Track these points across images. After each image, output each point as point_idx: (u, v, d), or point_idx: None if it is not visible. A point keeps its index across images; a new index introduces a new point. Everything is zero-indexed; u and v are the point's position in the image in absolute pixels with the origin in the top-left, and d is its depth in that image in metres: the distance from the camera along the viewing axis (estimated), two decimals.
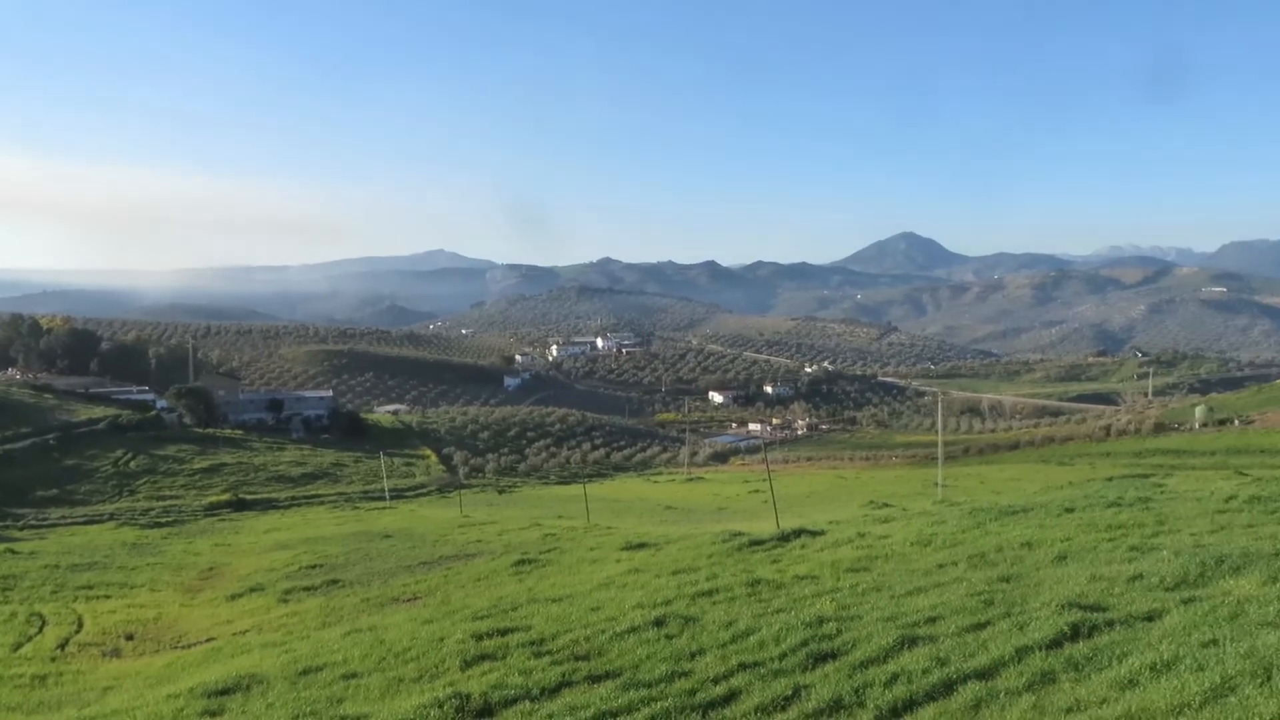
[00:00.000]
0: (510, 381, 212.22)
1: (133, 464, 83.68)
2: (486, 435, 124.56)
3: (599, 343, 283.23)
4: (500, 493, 79.39)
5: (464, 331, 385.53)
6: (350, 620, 20.43)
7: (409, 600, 22.79)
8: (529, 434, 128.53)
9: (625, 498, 65.65)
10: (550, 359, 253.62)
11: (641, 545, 26.33)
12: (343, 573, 29.13)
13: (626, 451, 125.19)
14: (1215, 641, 8.89)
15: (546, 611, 16.12)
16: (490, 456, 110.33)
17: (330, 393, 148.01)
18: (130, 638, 22.47)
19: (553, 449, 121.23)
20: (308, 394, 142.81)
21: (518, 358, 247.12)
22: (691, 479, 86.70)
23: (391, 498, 74.69)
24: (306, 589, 26.58)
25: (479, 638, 13.91)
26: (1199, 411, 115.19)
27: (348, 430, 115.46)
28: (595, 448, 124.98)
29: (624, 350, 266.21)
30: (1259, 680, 7.64)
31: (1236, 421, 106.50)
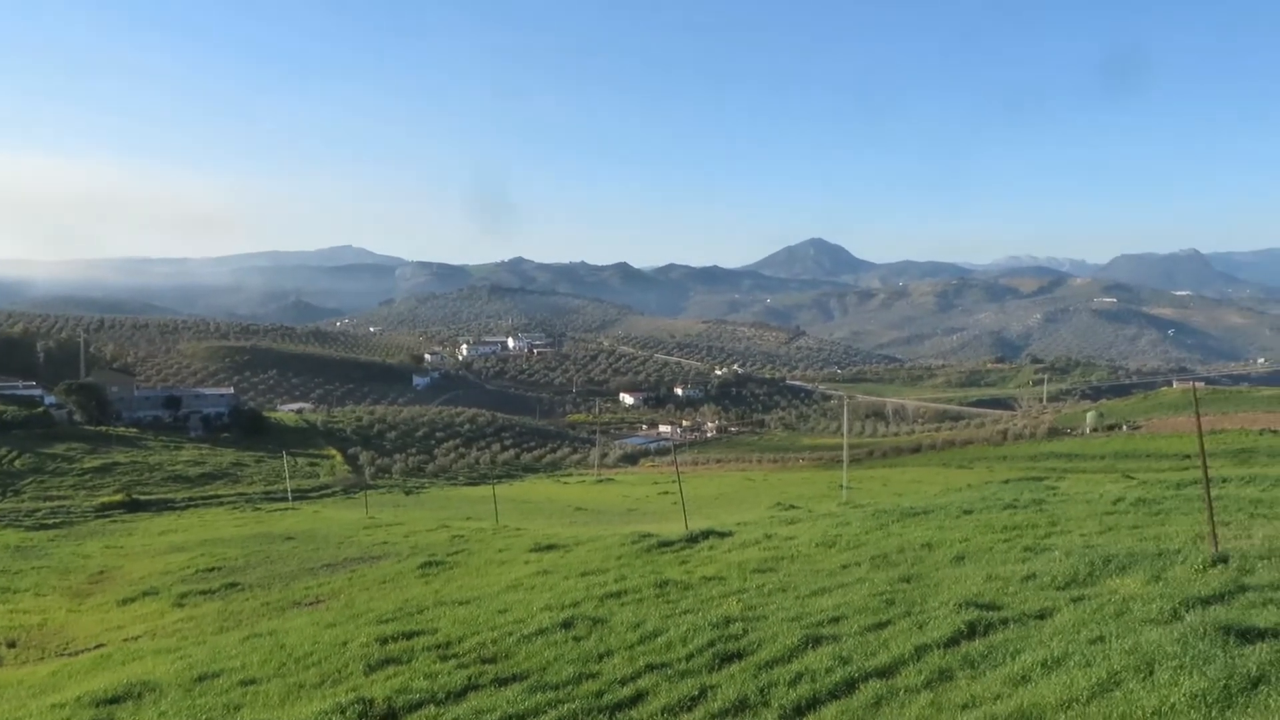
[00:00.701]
0: (419, 381, 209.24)
1: (17, 463, 79.99)
2: (394, 435, 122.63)
3: (510, 343, 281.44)
4: (407, 494, 78.17)
5: (372, 329, 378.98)
6: (249, 625, 19.88)
7: (311, 604, 22.27)
8: (438, 434, 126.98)
9: (535, 499, 65.30)
10: (460, 358, 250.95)
11: (550, 547, 26.24)
12: (242, 576, 28.32)
13: (537, 452, 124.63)
14: (1102, 638, 9.25)
15: (453, 614, 15.94)
16: (398, 457, 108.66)
17: (231, 390, 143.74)
18: (12, 645, 21.45)
19: (462, 449, 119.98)
20: (207, 391, 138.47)
21: (427, 357, 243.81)
22: (602, 480, 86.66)
23: (294, 499, 72.89)
24: (203, 593, 25.75)
25: (384, 641, 13.68)
26: (1090, 417, 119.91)
27: (249, 429, 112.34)
28: (505, 448, 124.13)
29: (535, 350, 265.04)
30: (1142, 675, 7.98)
31: (1125, 427, 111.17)
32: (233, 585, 26.54)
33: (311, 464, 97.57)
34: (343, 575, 26.32)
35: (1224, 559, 13.26)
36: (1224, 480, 35.73)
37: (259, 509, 64.14)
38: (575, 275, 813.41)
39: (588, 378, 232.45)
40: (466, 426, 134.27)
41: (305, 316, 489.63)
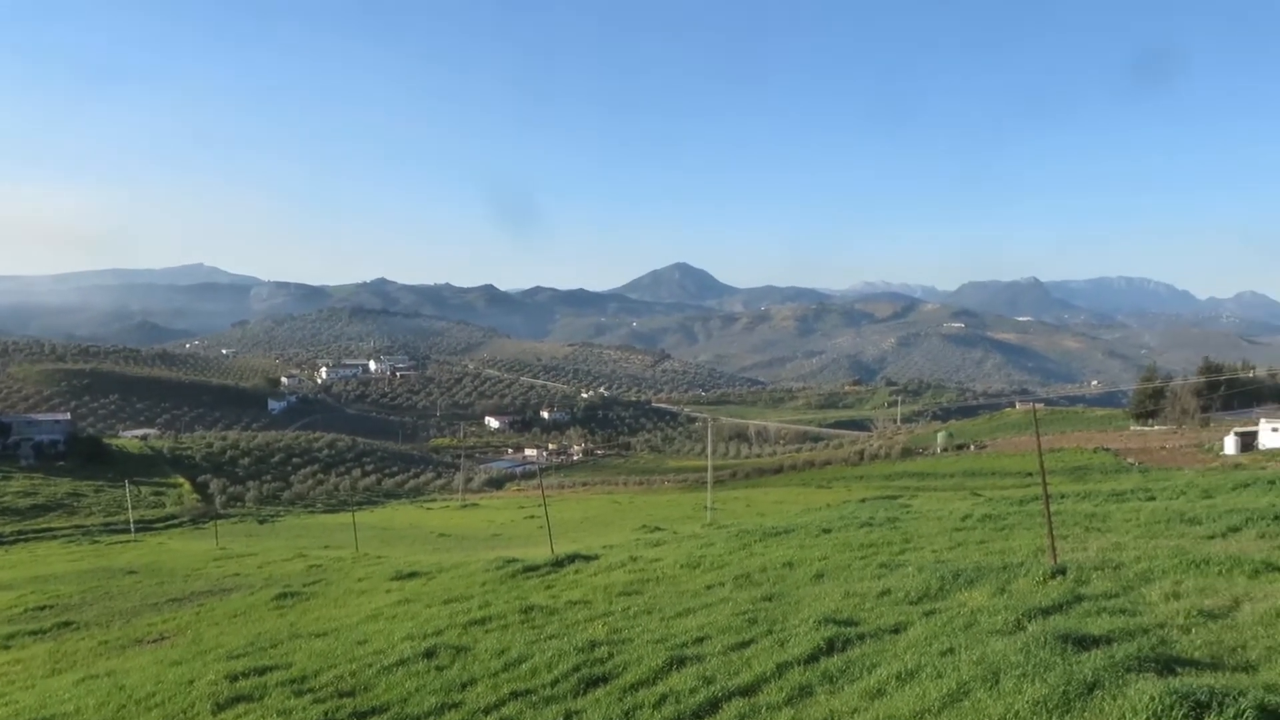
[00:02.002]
0: (275, 405, 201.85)
1: None
2: (247, 462, 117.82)
3: (372, 365, 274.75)
4: (261, 522, 75.10)
5: (225, 351, 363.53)
6: (85, 665, 18.63)
7: (155, 641, 21.06)
8: (295, 460, 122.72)
9: (397, 526, 63.75)
10: (319, 381, 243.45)
11: (413, 574, 25.63)
12: (77, 614, 26.55)
13: (399, 478, 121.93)
14: (952, 650, 9.61)
15: (310, 647, 15.35)
16: (251, 484, 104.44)
17: (68, 415, 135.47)
18: None
19: (320, 476, 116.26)
20: (40, 417, 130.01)
21: (284, 380, 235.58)
22: (466, 505, 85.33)
23: (138, 530, 69.06)
24: (33, 633, 24.01)
25: (234, 678, 13.04)
26: (940, 437, 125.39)
27: (88, 457, 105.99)
28: (366, 474, 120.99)
29: (398, 373, 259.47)
30: (989, 684, 8.33)
31: (972, 446, 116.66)
32: (66, 624, 24.84)
33: (157, 493, 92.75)
34: (190, 610, 25.02)
35: (1062, 571, 14.01)
36: (1062, 496, 37.83)
37: (98, 542, 60.41)
38: (440, 297, 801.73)
39: (452, 401, 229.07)
40: (325, 452, 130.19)
41: (153, 338, 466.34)
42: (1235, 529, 19.12)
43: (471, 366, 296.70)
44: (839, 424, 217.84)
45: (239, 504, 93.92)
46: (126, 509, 75.30)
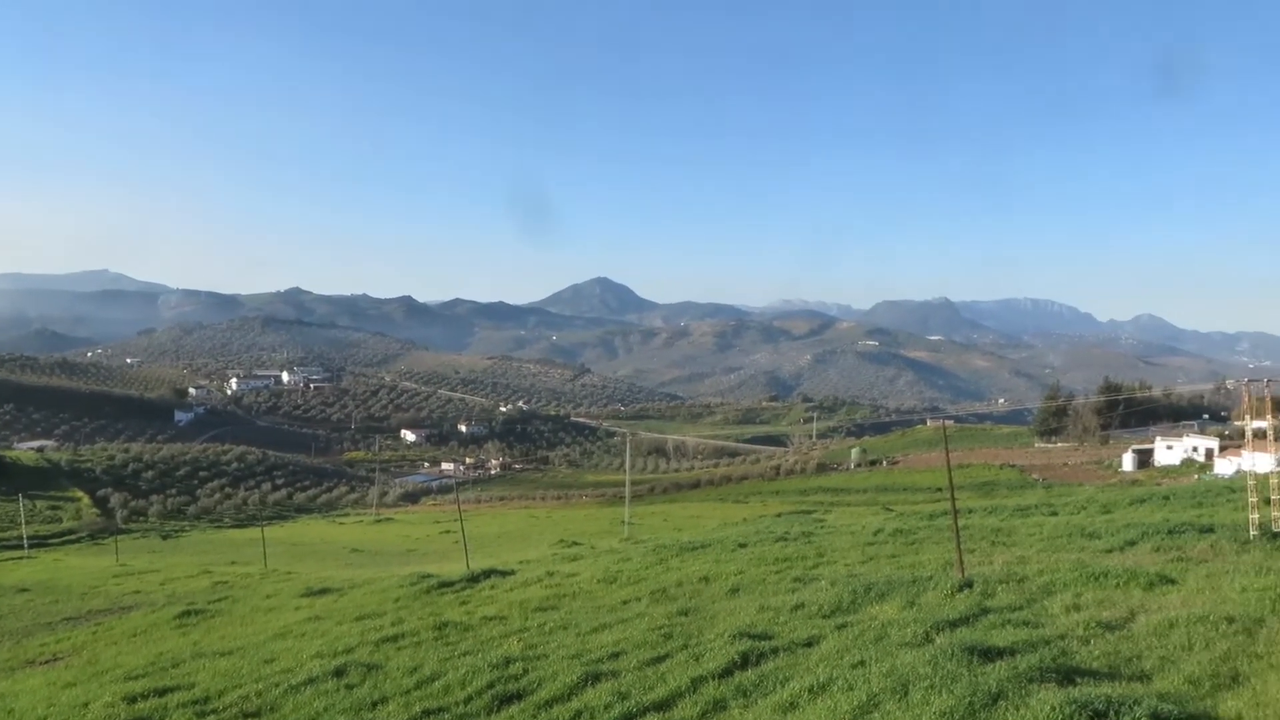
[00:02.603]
0: (182, 416, 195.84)
1: None
2: (151, 475, 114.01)
3: (285, 377, 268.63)
4: (165, 538, 72.72)
5: (130, 361, 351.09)
6: None
7: (48, 662, 20.21)
8: (202, 473, 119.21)
9: (308, 541, 62.33)
10: (229, 393, 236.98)
11: (323, 591, 25.10)
12: None
13: (311, 492, 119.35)
14: (863, 662, 9.78)
15: (214, 666, 14.91)
16: (155, 498, 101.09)
17: None
18: None
19: (229, 490, 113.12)
20: None
21: (192, 391, 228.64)
22: (380, 520, 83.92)
23: (31, 546, 66.18)
24: None
25: (132, 700, 12.59)
26: (854, 453, 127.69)
27: None
28: (277, 488, 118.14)
29: (312, 385, 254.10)
30: (898, 696, 8.50)
31: (884, 462, 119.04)
32: None
33: (53, 507, 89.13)
34: (86, 629, 24.08)
35: (969, 584, 14.38)
36: (970, 511, 38.81)
37: None
38: (357, 308, 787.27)
39: (368, 414, 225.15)
40: (234, 465, 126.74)
41: (52, 346, 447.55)
42: (1132, 543, 19.86)
43: (388, 379, 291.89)
44: (756, 439, 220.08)
45: (141, 519, 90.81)
46: (19, 524, 72.11)
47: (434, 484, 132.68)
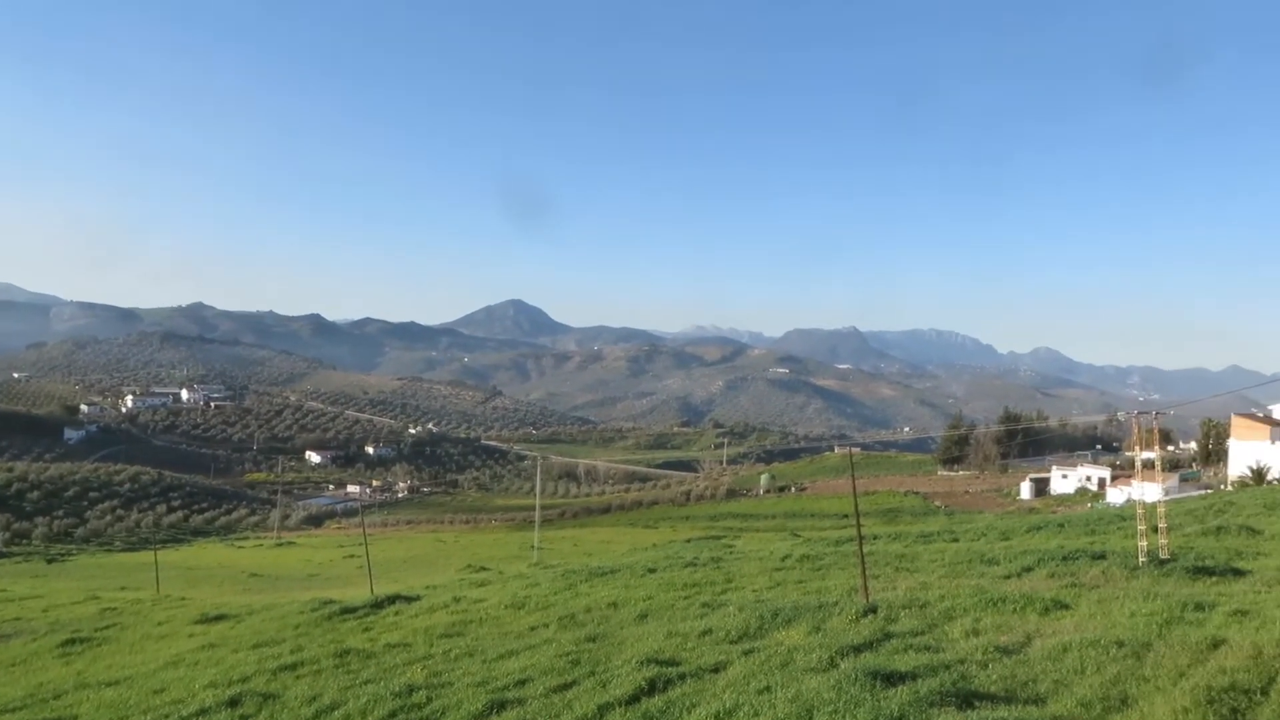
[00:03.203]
0: (72, 434, 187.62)
1: None
2: (37, 496, 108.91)
3: (184, 394, 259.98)
4: (50, 562, 69.47)
5: (16, 375, 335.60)
6: None
7: None
8: (92, 494, 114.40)
9: (204, 565, 60.24)
10: (124, 410, 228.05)
11: (219, 618, 24.27)
12: None
13: (209, 514, 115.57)
14: (769, 688, 9.84)
15: (99, 697, 14.26)
16: (40, 521, 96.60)
17: None
18: None
19: (120, 512, 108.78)
20: None
21: (84, 408, 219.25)
22: (282, 544, 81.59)
23: None
24: None
25: None
26: (763, 479, 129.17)
27: None
28: (172, 510, 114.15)
29: (213, 404, 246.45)
30: None
31: (793, 488, 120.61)
32: None
33: None
34: None
35: (874, 609, 14.61)
36: (875, 537, 39.53)
37: None
38: (263, 325, 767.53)
39: (272, 434, 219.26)
40: (127, 486, 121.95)
41: None
42: (1029, 569, 20.46)
43: (293, 398, 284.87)
44: (667, 464, 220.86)
45: (24, 541, 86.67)
46: None
47: (339, 507, 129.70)
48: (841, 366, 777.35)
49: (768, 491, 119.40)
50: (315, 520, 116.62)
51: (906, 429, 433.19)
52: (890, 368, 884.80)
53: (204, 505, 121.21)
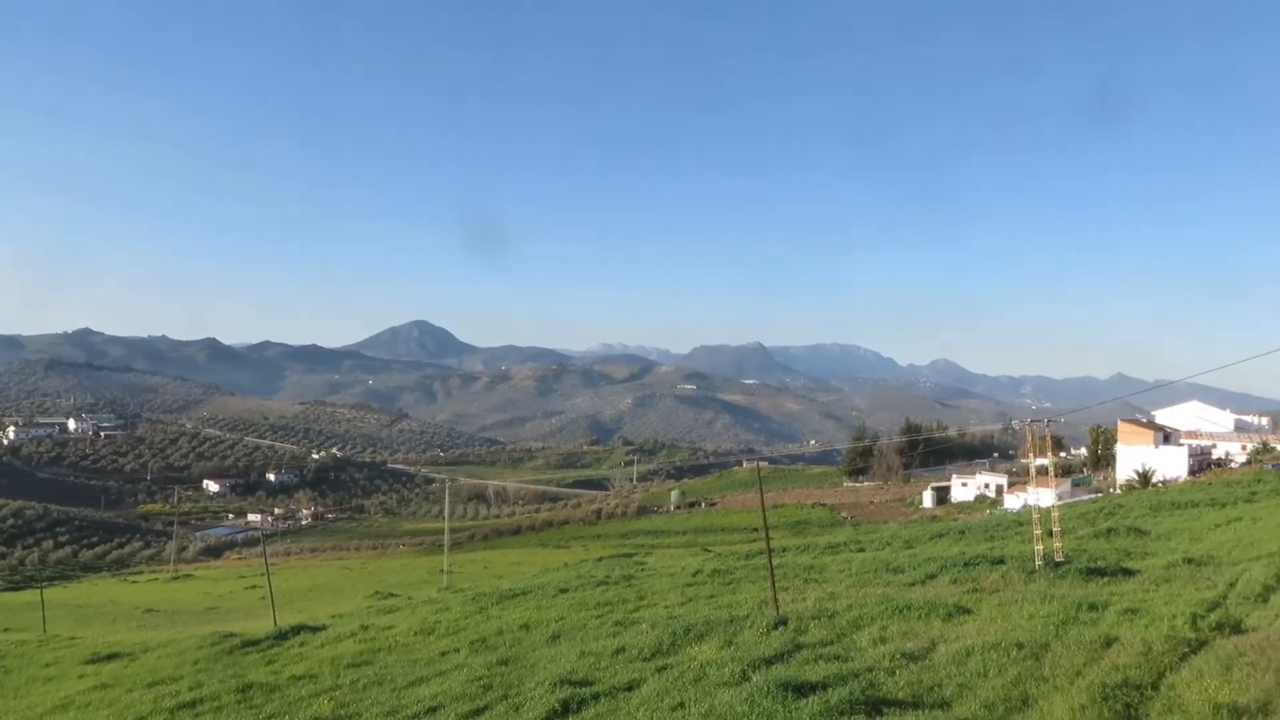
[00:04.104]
0: None
1: None
2: None
3: (71, 424, 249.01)
4: None
5: None
6: None
7: None
8: None
9: (95, 602, 57.60)
10: (6, 443, 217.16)
11: (112, 656, 23.25)
12: None
13: (100, 549, 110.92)
14: (683, 704, 9.87)
15: None
16: None
17: None
18: None
19: (2, 549, 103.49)
20: None
21: None
22: (179, 577, 78.62)
23: None
24: None
25: None
26: (674, 495, 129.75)
27: None
28: (60, 545, 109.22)
29: (103, 433, 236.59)
30: None
31: (703, 504, 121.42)
32: None
33: None
34: None
35: (784, 621, 14.79)
36: (784, 550, 40.07)
37: None
38: (155, 350, 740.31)
39: (166, 463, 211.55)
40: (10, 521, 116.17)
41: None
42: (932, 576, 20.99)
43: (189, 426, 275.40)
44: (578, 483, 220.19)
45: None
46: None
47: (239, 536, 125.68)
48: (748, 382, 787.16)
49: (678, 508, 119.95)
50: (214, 551, 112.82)
51: (812, 442, 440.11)
52: (795, 382, 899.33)
53: (94, 539, 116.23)
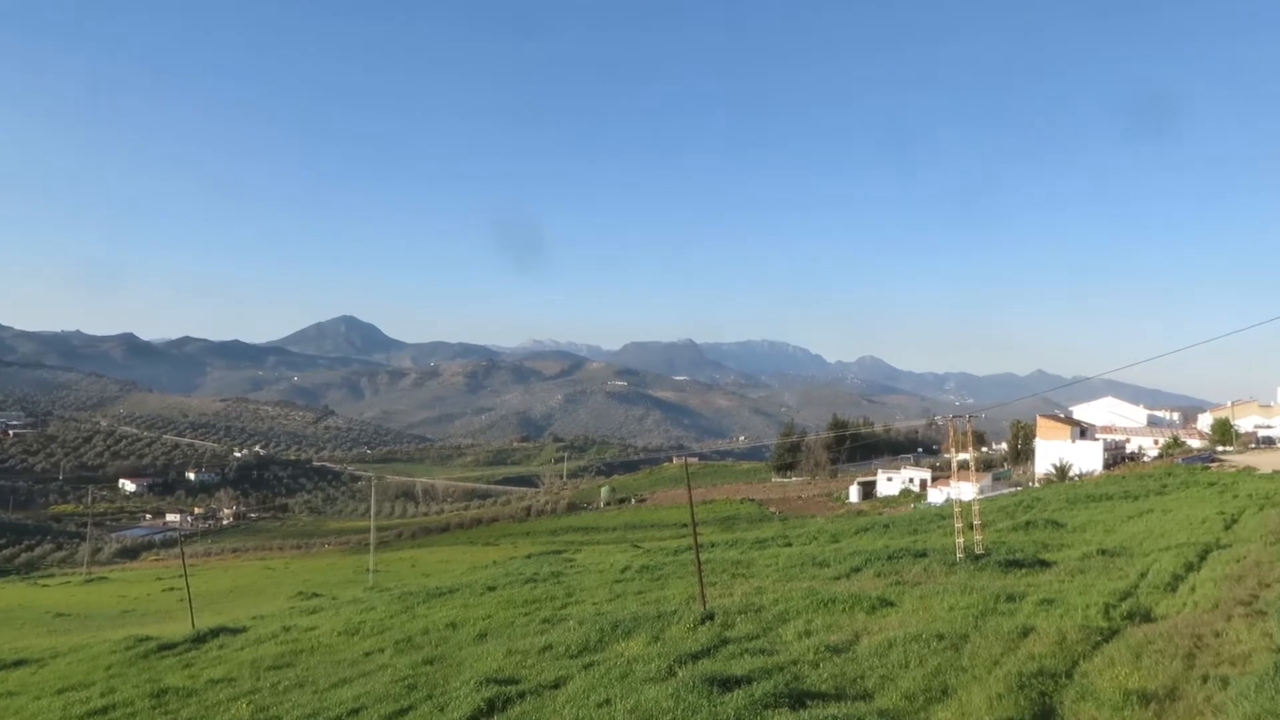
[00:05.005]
0: None
1: None
2: None
3: None
4: None
5: None
6: None
7: None
8: None
9: (2, 608, 55.55)
10: None
11: (18, 663, 22.41)
12: None
13: (8, 551, 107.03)
14: (609, 701, 9.84)
15: None
16: None
17: None
18: None
19: None
20: None
21: None
22: (92, 579, 76.17)
23: None
24: None
25: None
26: (604, 492, 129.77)
27: None
28: None
29: (11, 432, 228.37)
30: None
31: (633, 500, 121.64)
32: None
33: None
34: None
35: (711, 616, 14.86)
36: (713, 545, 40.31)
37: None
38: (68, 346, 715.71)
39: (80, 463, 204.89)
40: None
41: None
42: (857, 569, 21.30)
43: (105, 423, 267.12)
44: (508, 480, 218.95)
45: None
46: None
47: (157, 537, 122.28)
48: (679, 378, 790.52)
49: (608, 504, 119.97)
50: (130, 553, 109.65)
51: (742, 438, 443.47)
52: (726, 378, 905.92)
53: (1, 542, 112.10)
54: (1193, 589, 14.40)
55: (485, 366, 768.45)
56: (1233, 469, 54.11)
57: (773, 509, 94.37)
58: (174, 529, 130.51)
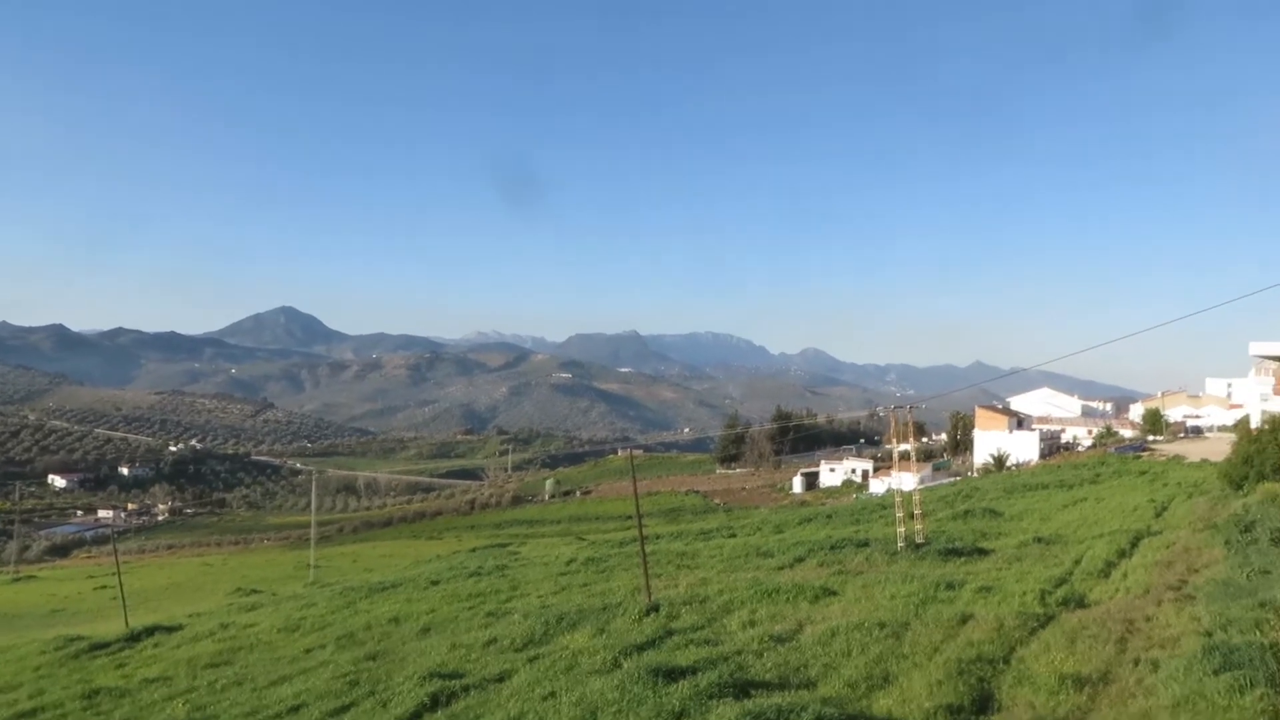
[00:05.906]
0: None
1: None
2: None
3: None
4: None
5: None
6: None
7: None
8: None
9: None
10: None
11: None
12: None
13: None
14: (554, 693, 9.81)
15: None
16: None
17: None
18: None
19: None
20: None
21: None
22: (20, 578, 74.17)
23: None
24: None
25: None
26: (549, 485, 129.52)
27: None
28: None
29: None
30: None
31: (578, 493, 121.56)
32: None
33: None
34: None
35: (656, 608, 14.89)
36: (658, 537, 40.46)
37: None
38: None
39: (6, 458, 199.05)
40: None
41: None
42: (800, 559, 21.50)
43: (32, 417, 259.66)
44: (451, 474, 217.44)
45: None
46: None
47: (89, 534, 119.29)
48: (623, 370, 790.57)
49: (553, 497, 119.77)
50: (61, 550, 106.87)
51: (686, 430, 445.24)
52: (670, 370, 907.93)
53: None
54: (1125, 575, 14.76)
55: (429, 359, 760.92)
56: (1163, 458, 55.58)
57: (717, 500, 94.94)
58: (106, 525, 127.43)
